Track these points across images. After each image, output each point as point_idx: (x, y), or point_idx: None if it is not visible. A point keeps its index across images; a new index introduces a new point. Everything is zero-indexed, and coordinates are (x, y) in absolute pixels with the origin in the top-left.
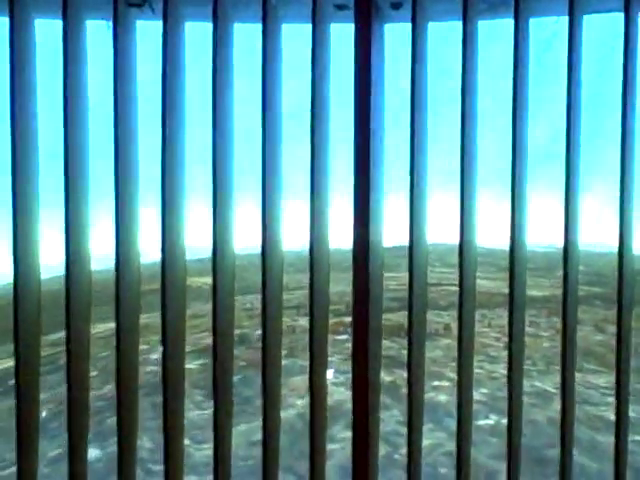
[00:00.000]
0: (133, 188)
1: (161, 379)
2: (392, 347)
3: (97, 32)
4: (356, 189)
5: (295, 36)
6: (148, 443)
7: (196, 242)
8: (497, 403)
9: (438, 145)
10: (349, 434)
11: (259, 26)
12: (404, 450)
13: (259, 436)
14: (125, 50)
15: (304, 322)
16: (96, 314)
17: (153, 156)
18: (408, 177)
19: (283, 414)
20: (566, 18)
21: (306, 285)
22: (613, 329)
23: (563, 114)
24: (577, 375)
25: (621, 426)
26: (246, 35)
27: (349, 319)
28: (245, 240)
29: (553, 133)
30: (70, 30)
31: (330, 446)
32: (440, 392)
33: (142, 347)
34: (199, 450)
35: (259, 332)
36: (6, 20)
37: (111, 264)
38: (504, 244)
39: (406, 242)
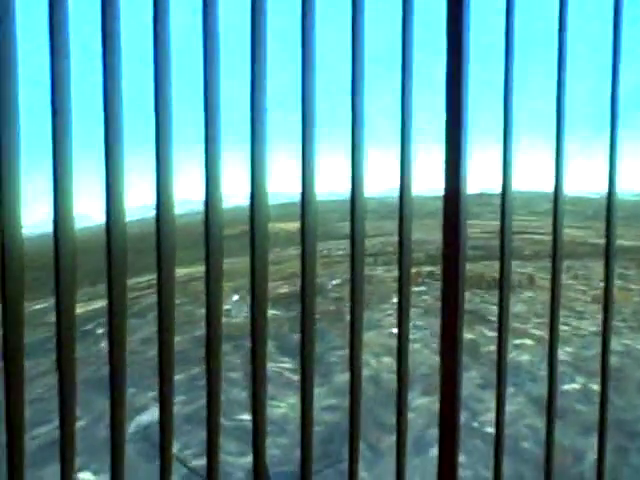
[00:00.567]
0: (217, 132)
1: (250, 325)
2: (472, 300)
3: None
4: (448, 137)
5: None
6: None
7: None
8: (583, 363)
9: (526, 89)
10: (423, 401)
11: None
12: (483, 418)
13: (328, 401)
14: None
15: (380, 271)
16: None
17: (239, 101)
18: (502, 123)
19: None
20: None
21: (383, 233)
22: None
23: None
24: None
25: None
26: None
27: (427, 269)
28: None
29: None
30: None
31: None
32: (522, 351)
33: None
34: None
35: (334, 282)
36: None
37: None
38: (589, 192)
39: (486, 189)
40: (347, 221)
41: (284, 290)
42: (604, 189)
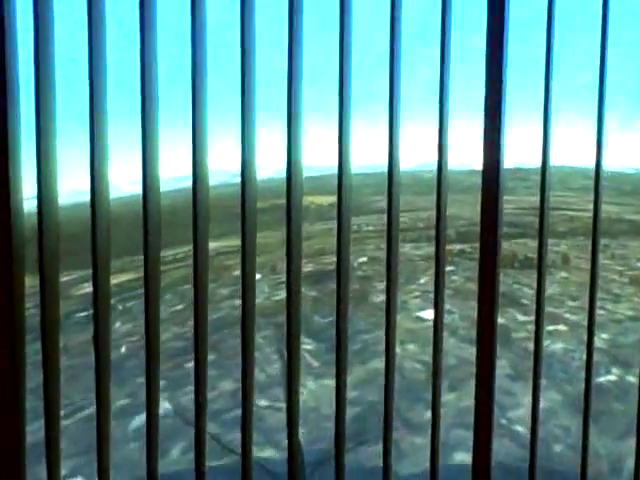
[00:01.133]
0: (251, 104)
1: (285, 300)
2: (504, 281)
3: None
4: (487, 111)
5: None
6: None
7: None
8: (620, 352)
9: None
10: (449, 397)
11: None
12: (512, 414)
13: (349, 394)
14: None
15: (408, 248)
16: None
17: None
18: (542, 96)
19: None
20: None
21: (415, 208)
22: None
23: None
24: None
25: None
26: None
27: (458, 247)
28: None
29: None
30: None
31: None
32: (556, 339)
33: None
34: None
35: (361, 259)
36: None
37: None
38: (626, 166)
39: (522, 164)
40: (379, 195)
41: (308, 269)
42: None
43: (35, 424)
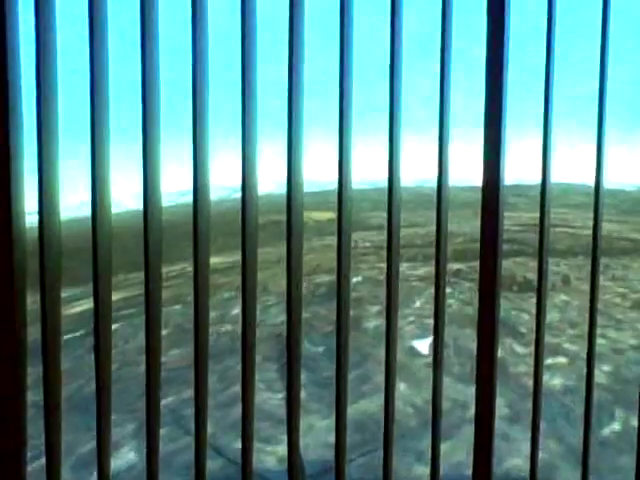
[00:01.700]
0: (252, 121)
1: (285, 324)
2: (502, 305)
3: None
4: (487, 126)
5: None
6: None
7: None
8: (624, 389)
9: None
10: (443, 447)
11: None
12: (508, 464)
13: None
14: None
15: (404, 267)
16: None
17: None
18: (542, 112)
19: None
20: None
21: (413, 224)
22: None
23: None
24: None
25: None
26: None
27: (455, 266)
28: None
29: None
30: None
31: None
32: (555, 373)
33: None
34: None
35: (356, 279)
36: None
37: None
38: (625, 183)
39: (521, 180)
40: (378, 211)
41: (303, 285)
42: None
43: None
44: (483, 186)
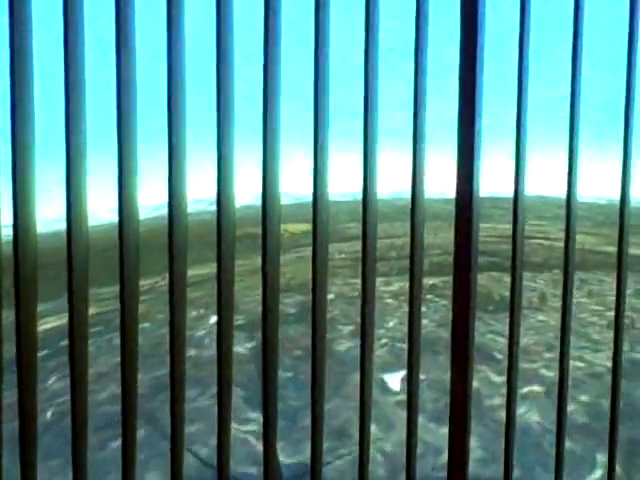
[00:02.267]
0: (229, 133)
1: (260, 324)
2: (477, 329)
3: None
4: (461, 139)
5: None
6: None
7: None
8: (604, 424)
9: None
10: None
11: None
12: None
13: None
14: None
15: (378, 284)
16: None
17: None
18: (514, 127)
19: None
20: None
21: (388, 235)
22: None
23: None
24: None
25: None
26: None
27: (431, 281)
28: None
29: None
30: None
31: None
32: (531, 405)
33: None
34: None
35: (329, 296)
36: None
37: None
38: (600, 196)
39: (495, 192)
40: (353, 222)
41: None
42: (615, 195)
43: None
44: (456, 198)
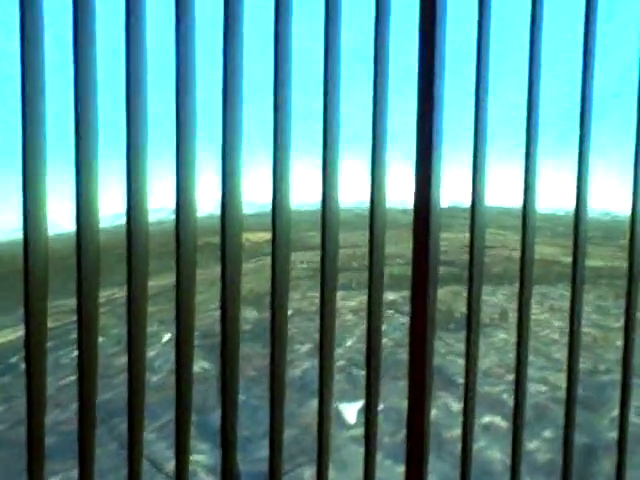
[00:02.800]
0: (191, 142)
1: (219, 360)
2: (437, 351)
3: None
4: (419, 148)
5: None
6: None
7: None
8: (575, 467)
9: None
10: None
11: None
12: None
13: None
14: None
15: (337, 298)
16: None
17: (211, 104)
18: (472, 138)
19: None
20: None
21: (349, 245)
22: None
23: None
24: None
25: None
26: None
27: (391, 296)
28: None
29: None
30: None
31: None
32: (493, 438)
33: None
34: None
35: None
36: None
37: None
38: (558, 208)
39: (454, 202)
40: (315, 231)
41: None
42: (571, 207)
43: None
44: (415, 208)
